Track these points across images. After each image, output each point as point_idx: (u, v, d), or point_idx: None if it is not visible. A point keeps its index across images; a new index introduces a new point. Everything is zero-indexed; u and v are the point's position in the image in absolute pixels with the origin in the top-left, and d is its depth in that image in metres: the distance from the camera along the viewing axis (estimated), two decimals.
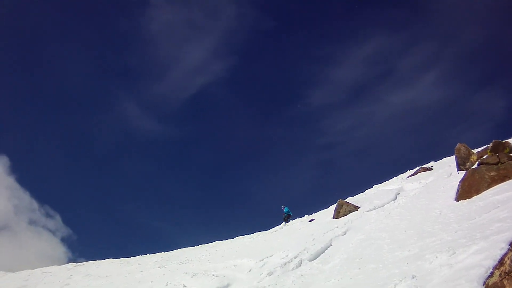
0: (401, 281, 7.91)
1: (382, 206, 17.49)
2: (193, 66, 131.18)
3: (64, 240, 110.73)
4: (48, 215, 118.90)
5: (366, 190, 24.58)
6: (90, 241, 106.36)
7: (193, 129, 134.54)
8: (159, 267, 20.41)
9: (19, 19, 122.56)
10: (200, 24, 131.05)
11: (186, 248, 27.76)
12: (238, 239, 25.93)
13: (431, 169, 22.91)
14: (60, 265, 27.78)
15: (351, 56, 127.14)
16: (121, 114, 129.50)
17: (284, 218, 29.16)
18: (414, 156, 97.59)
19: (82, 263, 27.73)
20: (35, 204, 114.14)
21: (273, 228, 25.94)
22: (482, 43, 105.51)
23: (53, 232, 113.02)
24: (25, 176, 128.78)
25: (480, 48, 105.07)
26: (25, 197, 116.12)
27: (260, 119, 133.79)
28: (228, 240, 26.46)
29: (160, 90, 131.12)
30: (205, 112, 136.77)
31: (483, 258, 7.06)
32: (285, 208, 29.40)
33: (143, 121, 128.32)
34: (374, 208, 17.68)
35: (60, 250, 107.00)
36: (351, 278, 9.81)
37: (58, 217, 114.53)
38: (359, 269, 10.23)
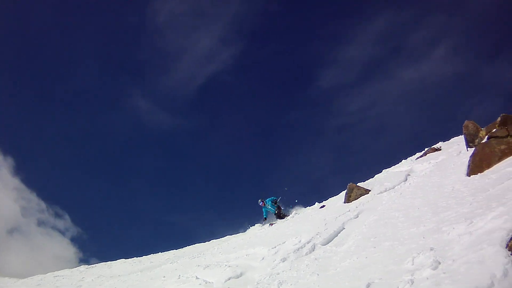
0: (419, 254, 7.83)
1: (393, 188, 17.35)
2: (201, 55, 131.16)
3: (74, 240, 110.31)
4: (57, 215, 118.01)
5: (375, 175, 24.35)
6: (100, 239, 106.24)
7: (205, 119, 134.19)
8: (171, 263, 20.42)
9: (21, 18, 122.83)
10: (206, 12, 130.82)
11: (198, 244, 27.79)
12: (250, 231, 25.82)
13: (440, 149, 22.76)
14: (71, 265, 27.97)
15: (359, 34, 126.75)
16: (130, 109, 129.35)
17: (278, 214, 24.87)
18: (422, 137, 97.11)
19: (94, 265, 27.84)
20: (43, 205, 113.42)
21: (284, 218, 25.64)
22: (490, 13, 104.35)
23: (62, 232, 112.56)
24: (31, 176, 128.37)
25: (489, 18, 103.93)
26: (33, 198, 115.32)
27: (272, 104, 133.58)
28: (240, 233, 26.40)
29: (169, 82, 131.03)
30: (216, 101, 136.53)
31: (503, 222, 7.03)
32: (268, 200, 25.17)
33: (153, 114, 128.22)
34: (385, 190, 17.53)
35: (71, 250, 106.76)
36: (367, 257, 9.71)
37: (67, 217, 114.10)
38: (375, 247, 10.13)
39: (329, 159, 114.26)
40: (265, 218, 25.10)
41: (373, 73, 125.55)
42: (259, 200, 25.29)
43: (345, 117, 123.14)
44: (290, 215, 24.28)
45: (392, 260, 8.56)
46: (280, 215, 24.80)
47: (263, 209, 25.24)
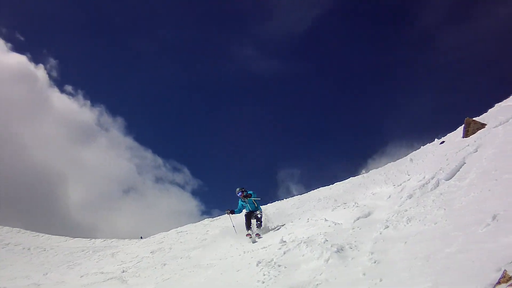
0: None
1: (508, 121, 17.46)
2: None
3: (194, 192, 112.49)
4: (175, 169, 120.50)
5: (489, 109, 23.82)
6: (222, 190, 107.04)
7: (311, 61, 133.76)
8: (297, 208, 21.36)
9: None
10: None
11: (321, 188, 28.15)
12: (372, 172, 26.07)
13: None
14: (194, 219, 28.48)
15: None
16: (237, 58, 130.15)
17: (251, 214, 17.35)
18: None
19: (218, 217, 28.50)
20: (159, 160, 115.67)
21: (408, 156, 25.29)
22: None
23: (182, 186, 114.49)
24: (144, 134, 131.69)
25: None
26: (148, 155, 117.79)
27: (374, 44, 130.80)
28: (361, 175, 26.63)
29: (273, 29, 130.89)
30: (320, 44, 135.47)
31: None
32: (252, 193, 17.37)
33: (260, 61, 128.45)
34: (500, 124, 17.63)
35: (192, 203, 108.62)
36: (489, 190, 10.34)
37: (185, 170, 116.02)
38: (496, 180, 10.77)
39: (437, 96, 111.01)
40: (232, 211, 17.79)
41: (471, 10, 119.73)
42: (238, 190, 17.47)
43: (447, 55, 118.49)
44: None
45: None
46: (258, 219, 17.36)
47: (240, 202, 17.66)
